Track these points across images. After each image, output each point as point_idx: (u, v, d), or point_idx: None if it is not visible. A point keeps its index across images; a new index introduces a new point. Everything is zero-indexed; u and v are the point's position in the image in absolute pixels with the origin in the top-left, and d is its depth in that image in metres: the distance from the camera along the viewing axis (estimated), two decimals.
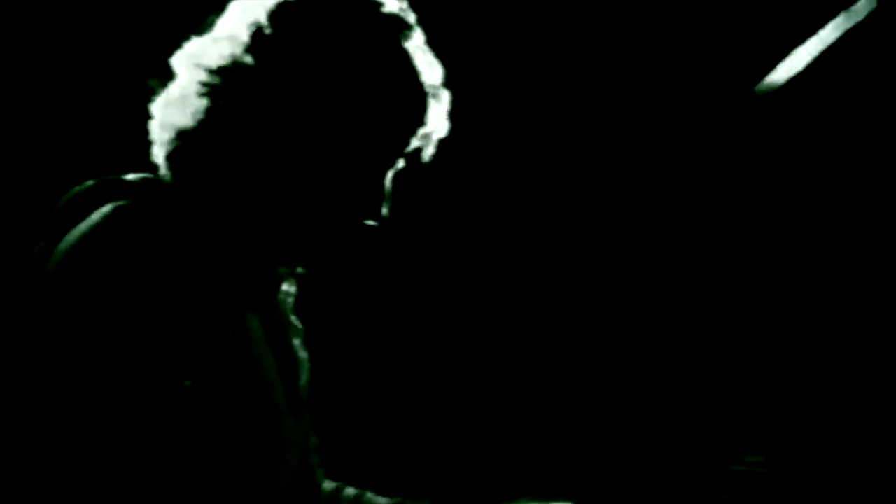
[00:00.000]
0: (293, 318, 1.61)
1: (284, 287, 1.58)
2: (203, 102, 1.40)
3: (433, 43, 1.50)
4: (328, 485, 1.79)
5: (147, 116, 1.45)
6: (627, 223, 3.02)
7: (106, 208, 1.30)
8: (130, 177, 1.42)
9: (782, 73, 2.75)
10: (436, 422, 3.01)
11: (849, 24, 2.60)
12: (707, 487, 2.74)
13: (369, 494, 1.77)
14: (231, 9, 1.44)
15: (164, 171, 1.44)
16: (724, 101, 2.90)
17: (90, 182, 1.39)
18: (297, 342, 1.58)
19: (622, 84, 2.96)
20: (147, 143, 1.45)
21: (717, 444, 2.83)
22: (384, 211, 1.46)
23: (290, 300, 1.61)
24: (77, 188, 1.39)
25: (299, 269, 1.57)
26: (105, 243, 1.26)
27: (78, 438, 1.22)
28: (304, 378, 1.59)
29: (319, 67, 1.40)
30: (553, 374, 3.04)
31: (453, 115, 1.52)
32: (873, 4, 2.56)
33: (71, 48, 2.69)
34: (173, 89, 1.43)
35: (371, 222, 1.46)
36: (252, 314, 1.42)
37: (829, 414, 2.60)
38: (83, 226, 1.28)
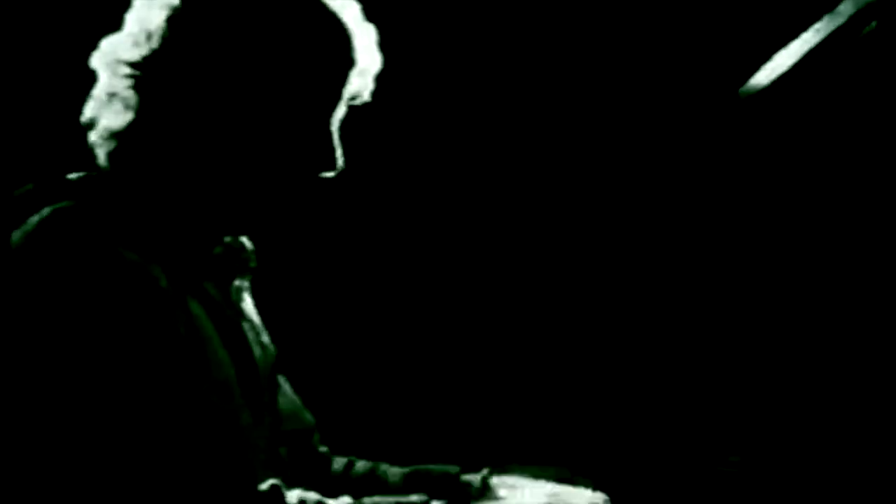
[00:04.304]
0: (248, 311, 1.63)
1: (237, 283, 1.59)
2: (130, 98, 1.42)
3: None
4: (339, 461, 1.79)
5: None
6: (609, 223, 3.02)
7: (44, 211, 1.31)
8: (72, 176, 1.43)
9: (766, 75, 2.75)
10: (424, 415, 3.01)
11: (832, 27, 2.60)
12: (693, 487, 2.74)
13: (384, 466, 1.77)
14: (136, 3, 1.46)
15: (105, 167, 1.45)
16: (708, 103, 2.90)
17: (29, 185, 1.40)
18: (252, 334, 1.59)
19: (605, 86, 2.96)
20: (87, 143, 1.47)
21: (702, 443, 2.83)
22: (339, 160, 1.48)
23: (245, 294, 1.62)
24: (17, 191, 1.39)
25: (252, 263, 1.59)
26: (43, 247, 1.27)
27: (27, 442, 1.25)
28: (265, 363, 1.59)
29: (235, 33, 1.41)
30: (539, 374, 3.04)
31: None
32: (856, 7, 2.56)
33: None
34: (99, 92, 1.45)
35: (328, 174, 1.48)
36: (194, 301, 1.43)
37: (810, 414, 2.60)
38: (21, 231, 1.30)
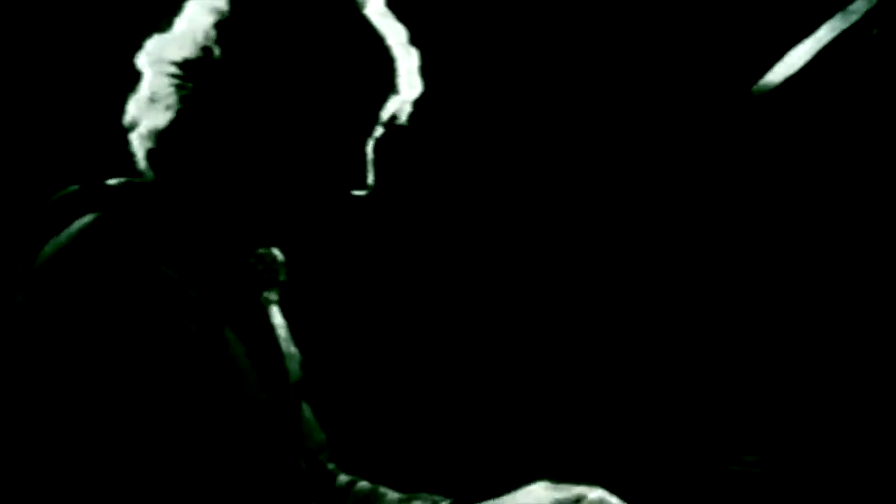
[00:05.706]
0: (278, 320, 1.61)
1: (266, 294, 1.57)
2: (173, 99, 1.41)
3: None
4: (342, 478, 1.79)
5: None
6: (625, 223, 3.02)
7: (86, 219, 1.31)
8: (113, 181, 1.41)
9: (779, 73, 2.74)
10: (437, 421, 3.01)
11: (845, 25, 2.59)
12: (705, 487, 2.73)
13: (383, 489, 1.76)
14: (189, 6, 1.45)
15: (146, 171, 1.44)
16: (720, 101, 2.90)
17: (73, 187, 1.40)
18: (283, 343, 1.58)
19: (619, 85, 2.96)
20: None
21: (714, 443, 2.82)
22: (370, 179, 1.47)
23: (273, 306, 1.60)
24: (59, 193, 1.39)
25: (282, 276, 1.57)
26: (82, 256, 1.27)
27: (51, 453, 1.22)
28: (293, 377, 1.58)
29: (282, 46, 1.41)
30: (550, 376, 3.04)
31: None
32: (869, 4, 2.56)
33: (52, 50, 2.69)
34: (142, 91, 1.44)
35: (359, 192, 1.47)
36: (227, 315, 1.41)
37: (825, 413, 2.60)
38: (62, 237, 1.29)
